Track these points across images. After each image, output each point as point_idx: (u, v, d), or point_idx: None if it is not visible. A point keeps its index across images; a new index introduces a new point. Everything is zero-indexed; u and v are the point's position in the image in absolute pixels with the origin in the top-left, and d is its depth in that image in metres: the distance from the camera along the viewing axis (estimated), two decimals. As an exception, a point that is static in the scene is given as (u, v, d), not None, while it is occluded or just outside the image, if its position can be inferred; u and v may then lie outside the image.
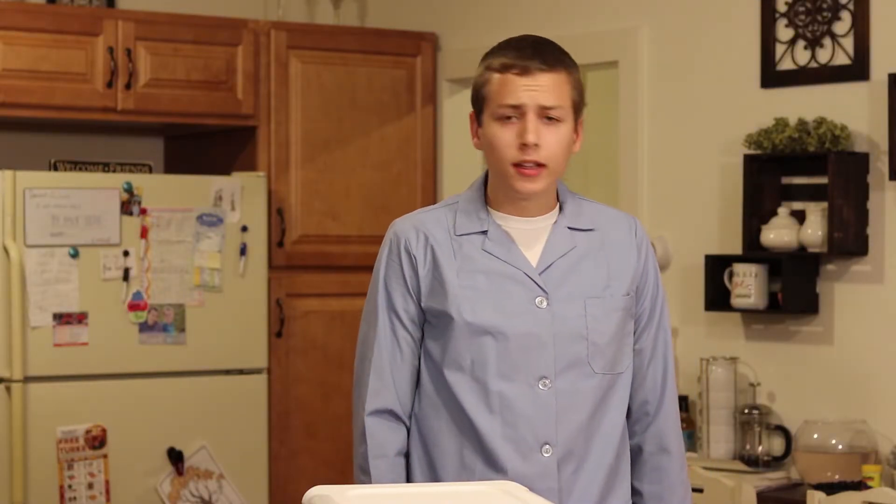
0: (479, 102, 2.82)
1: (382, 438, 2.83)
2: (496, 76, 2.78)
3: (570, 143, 2.81)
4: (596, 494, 2.81)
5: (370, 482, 2.80)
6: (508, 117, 2.76)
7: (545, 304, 2.78)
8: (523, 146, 2.74)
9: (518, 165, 2.76)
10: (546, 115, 2.75)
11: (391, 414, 2.85)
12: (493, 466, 2.77)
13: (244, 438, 5.45)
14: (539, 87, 2.75)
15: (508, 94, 2.76)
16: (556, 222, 2.84)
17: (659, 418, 2.90)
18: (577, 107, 2.81)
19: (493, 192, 2.85)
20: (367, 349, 2.87)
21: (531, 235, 2.82)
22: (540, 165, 2.75)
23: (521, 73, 2.75)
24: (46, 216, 5.07)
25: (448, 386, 2.80)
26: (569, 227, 2.83)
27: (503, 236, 2.82)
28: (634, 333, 2.89)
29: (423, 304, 2.82)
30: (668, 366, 2.92)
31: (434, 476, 2.82)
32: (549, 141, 2.75)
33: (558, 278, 2.79)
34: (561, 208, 2.86)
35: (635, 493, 2.92)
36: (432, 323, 2.83)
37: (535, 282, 2.78)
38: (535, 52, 2.77)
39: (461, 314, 2.77)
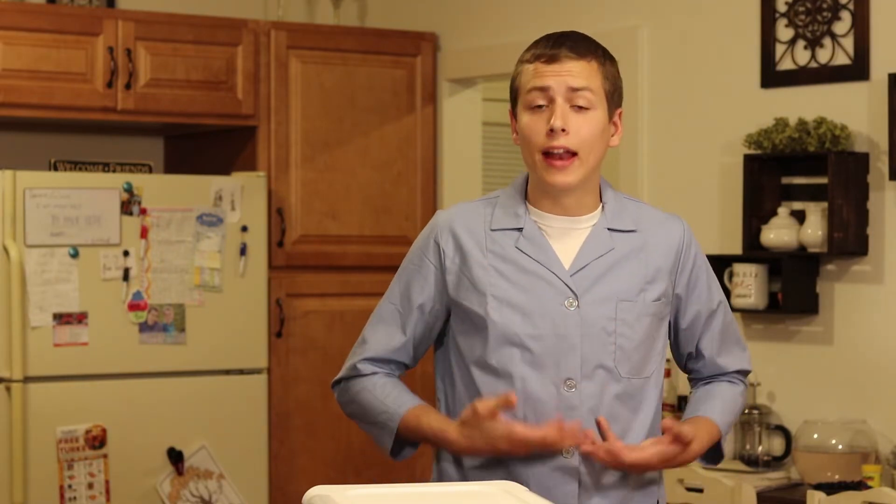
0: (514, 95, 2.81)
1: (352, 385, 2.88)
2: (527, 66, 2.78)
3: (605, 133, 2.79)
4: (620, 496, 2.79)
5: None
6: (539, 106, 2.74)
7: (574, 305, 2.75)
8: (551, 132, 2.72)
9: (547, 155, 2.73)
10: (575, 101, 2.73)
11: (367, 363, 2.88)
12: (517, 464, 2.75)
13: (244, 438, 5.45)
14: (566, 72, 2.73)
15: (536, 79, 2.75)
16: (596, 223, 2.81)
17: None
18: (611, 97, 2.78)
19: (532, 188, 2.83)
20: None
21: (569, 235, 2.79)
22: (571, 154, 2.73)
23: (549, 61, 2.75)
24: (46, 216, 5.07)
25: (475, 384, 2.78)
26: (609, 229, 2.80)
27: (538, 235, 2.79)
28: (696, 339, 2.91)
29: (450, 295, 2.80)
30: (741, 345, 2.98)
31: (461, 473, 2.80)
32: (579, 127, 2.73)
33: (591, 280, 2.76)
34: (603, 208, 2.83)
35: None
36: (460, 318, 2.81)
37: (566, 283, 2.75)
38: (564, 42, 2.77)
39: (488, 313, 2.75)
